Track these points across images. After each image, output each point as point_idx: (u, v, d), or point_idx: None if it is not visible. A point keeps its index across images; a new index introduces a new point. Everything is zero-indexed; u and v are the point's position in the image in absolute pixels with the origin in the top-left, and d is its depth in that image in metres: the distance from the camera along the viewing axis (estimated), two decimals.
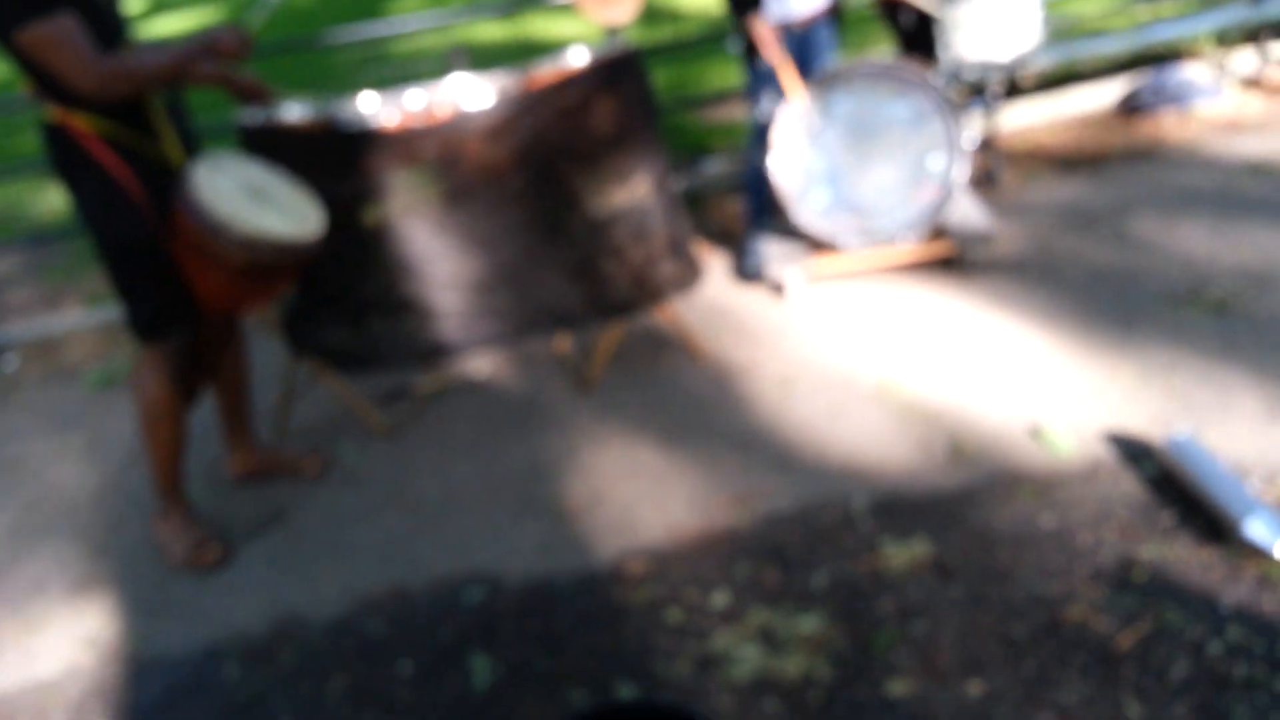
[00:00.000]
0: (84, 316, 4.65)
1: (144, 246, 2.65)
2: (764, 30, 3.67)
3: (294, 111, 3.04)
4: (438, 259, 3.27)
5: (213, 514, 3.17)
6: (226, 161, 2.75)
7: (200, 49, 2.62)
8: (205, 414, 3.49)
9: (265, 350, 4.02)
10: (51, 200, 6.32)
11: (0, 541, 3.22)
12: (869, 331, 3.64)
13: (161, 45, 2.72)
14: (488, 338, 3.39)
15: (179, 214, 2.60)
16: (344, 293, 3.29)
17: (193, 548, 2.94)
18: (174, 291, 2.71)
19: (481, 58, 6.70)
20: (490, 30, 8.40)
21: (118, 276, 2.71)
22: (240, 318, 3.10)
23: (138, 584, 2.94)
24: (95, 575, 3.00)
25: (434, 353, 3.37)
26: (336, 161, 3.07)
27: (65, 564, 3.07)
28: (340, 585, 2.80)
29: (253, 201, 2.67)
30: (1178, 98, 5.00)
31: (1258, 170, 4.34)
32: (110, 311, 4.62)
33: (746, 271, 4.17)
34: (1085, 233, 4.07)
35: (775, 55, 3.69)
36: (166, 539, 2.98)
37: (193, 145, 2.84)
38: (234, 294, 2.73)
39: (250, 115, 3.04)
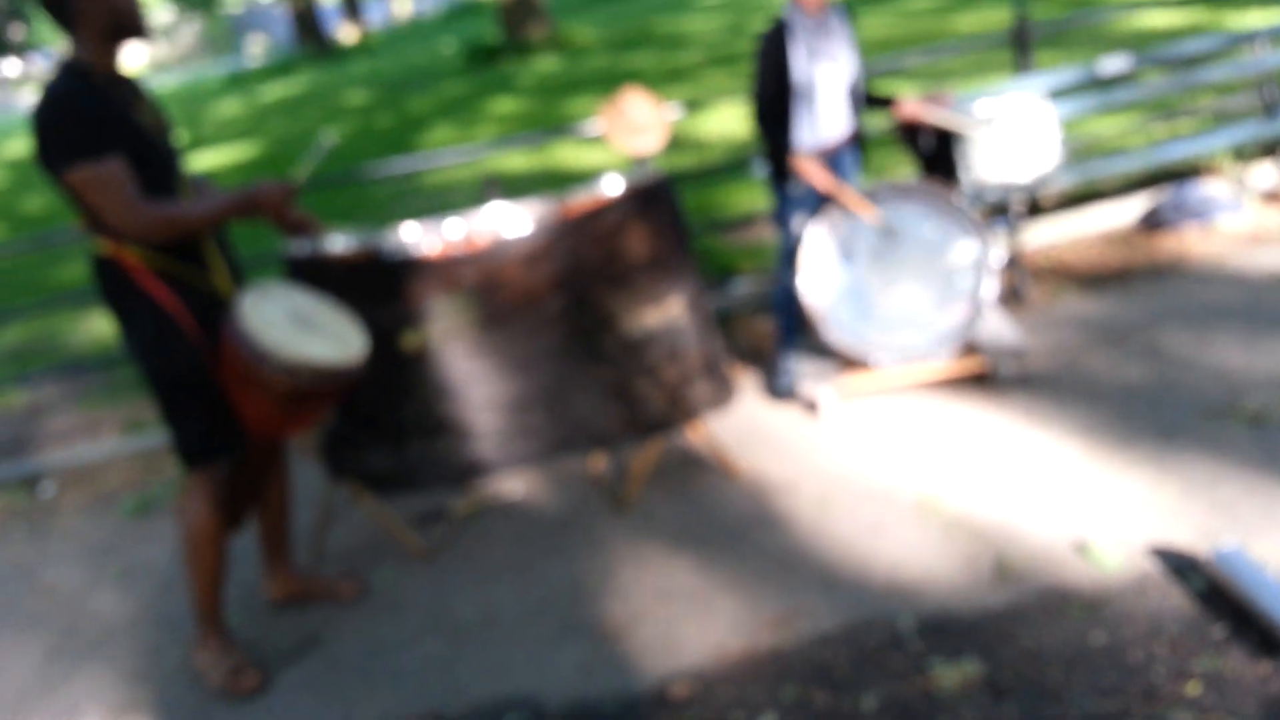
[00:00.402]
0: (121, 444, 4.71)
1: (194, 375, 2.72)
2: (809, 162, 3.78)
3: (339, 242, 3.14)
4: (475, 381, 3.33)
5: (250, 639, 3.15)
6: (274, 290, 2.84)
7: (244, 202, 2.75)
8: (240, 538, 3.50)
9: (302, 474, 4.05)
10: (90, 329, 6.47)
11: (37, 668, 3.21)
12: (905, 448, 3.63)
13: (207, 193, 2.84)
14: (524, 456, 3.41)
15: (227, 342, 2.67)
16: (383, 415, 3.34)
17: (230, 674, 2.92)
18: (222, 417, 2.77)
19: (511, 187, 6.90)
20: (518, 160, 8.66)
21: (167, 404, 2.78)
22: (284, 442, 3.15)
23: (175, 711, 2.91)
24: (132, 702, 2.98)
25: (471, 472, 3.40)
26: (380, 289, 3.16)
27: (102, 691, 3.05)
28: (378, 712, 2.76)
29: (298, 328, 2.74)
30: (1199, 213, 5.07)
31: None
32: (147, 439, 4.69)
33: (779, 390, 4.20)
34: (1116, 348, 4.09)
35: (826, 180, 3.78)
36: (205, 665, 2.96)
37: (238, 274, 2.93)
38: (279, 419, 2.78)
39: (297, 246, 3.14)
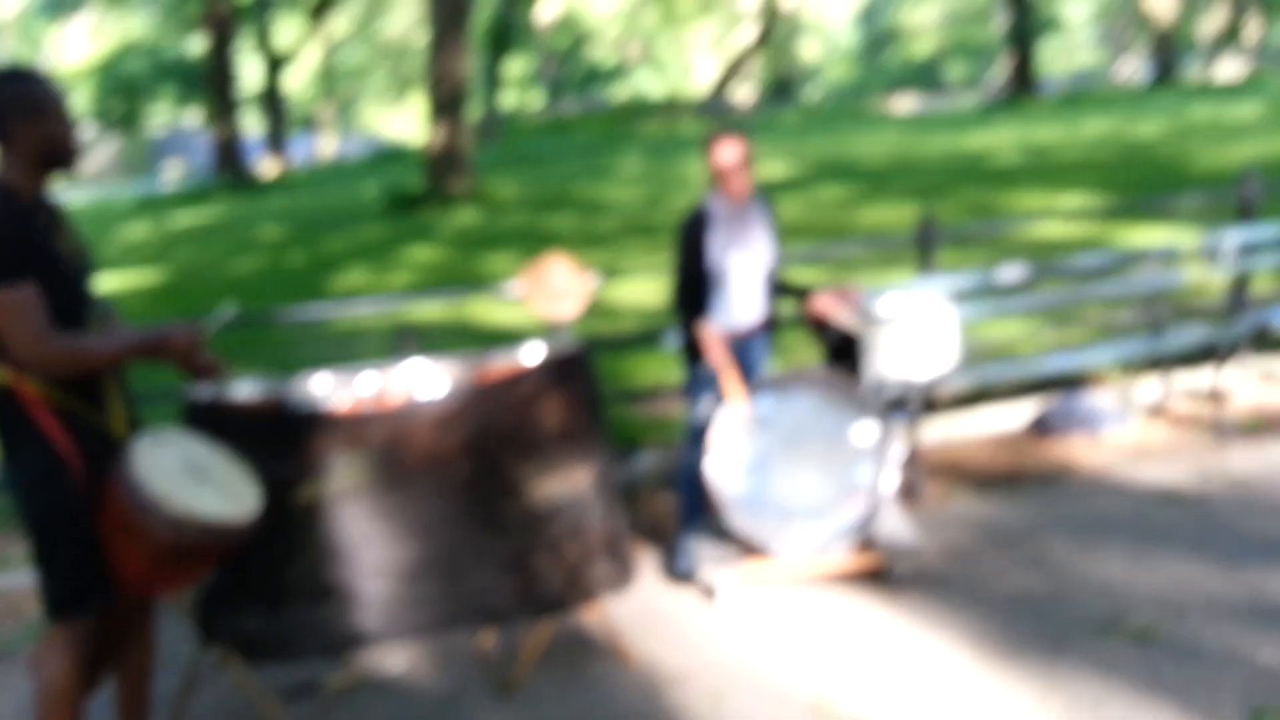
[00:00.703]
0: None
1: (73, 520, 2.58)
2: (712, 336, 3.85)
3: (243, 389, 3.06)
4: (368, 544, 3.21)
5: None
6: (169, 437, 2.73)
7: (152, 344, 2.68)
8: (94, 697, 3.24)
9: (169, 632, 3.81)
10: None
11: None
12: (801, 644, 3.60)
13: (115, 330, 2.76)
14: (410, 629, 3.28)
15: (112, 488, 2.54)
16: (265, 575, 3.19)
17: None
18: (95, 569, 2.62)
19: (424, 339, 6.86)
20: (433, 311, 8.66)
21: (41, 547, 2.62)
22: (156, 601, 2.97)
23: None
24: None
25: (352, 642, 3.24)
26: (280, 441, 3.07)
27: None
28: None
29: (189, 479, 2.63)
30: (1086, 422, 5.29)
31: (1167, 499, 4.54)
32: (11, 578, 4.39)
33: (678, 571, 4.15)
34: (1006, 553, 4.16)
35: (721, 360, 3.85)
36: None
37: (135, 415, 2.82)
38: (158, 574, 2.63)
39: (199, 390, 3.04)
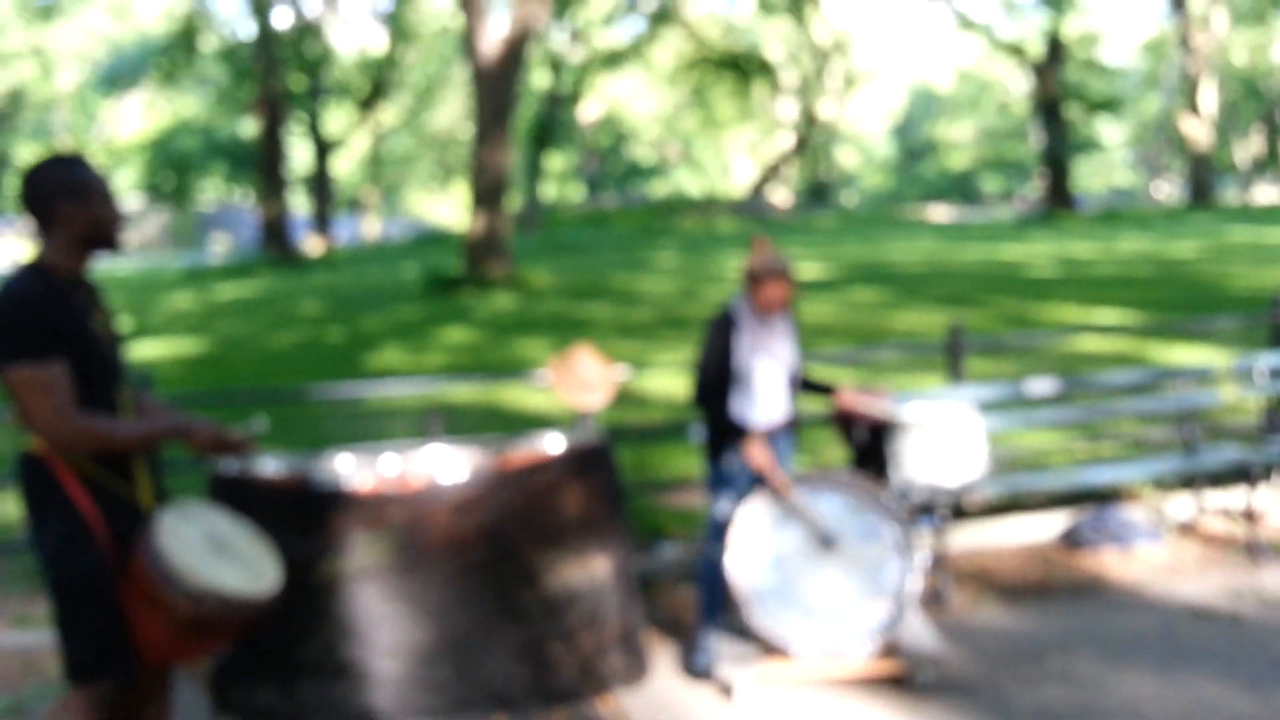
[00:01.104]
0: (3, 636, 4.43)
1: (97, 588, 2.61)
2: (755, 444, 3.87)
3: (269, 466, 3.10)
4: (385, 624, 3.21)
5: None
6: (194, 510, 2.77)
7: (174, 433, 2.75)
8: None
9: (185, 702, 3.80)
10: None
11: None
12: None
13: (145, 411, 2.83)
14: (422, 711, 3.25)
15: (136, 558, 2.57)
16: (281, 650, 3.20)
17: None
18: (117, 637, 2.63)
19: (455, 420, 6.92)
20: (465, 393, 8.73)
21: (63, 612, 2.65)
22: (174, 671, 2.97)
23: None
24: None
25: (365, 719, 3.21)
26: (302, 519, 3.10)
27: None
28: None
29: (212, 553, 2.66)
30: (1118, 537, 5.21)
31: (1198, 616, 4.45)
32: (32, 636, 4.41)
33: (696, 668, 4.10)
34: (1033, 665, 4.08)
35: (766, 462, 3.86)
36: None
37: (161, 487, 2.87)
38: (177, 645, 2.65)
39: (225, 465, 3.09)
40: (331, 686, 3.20)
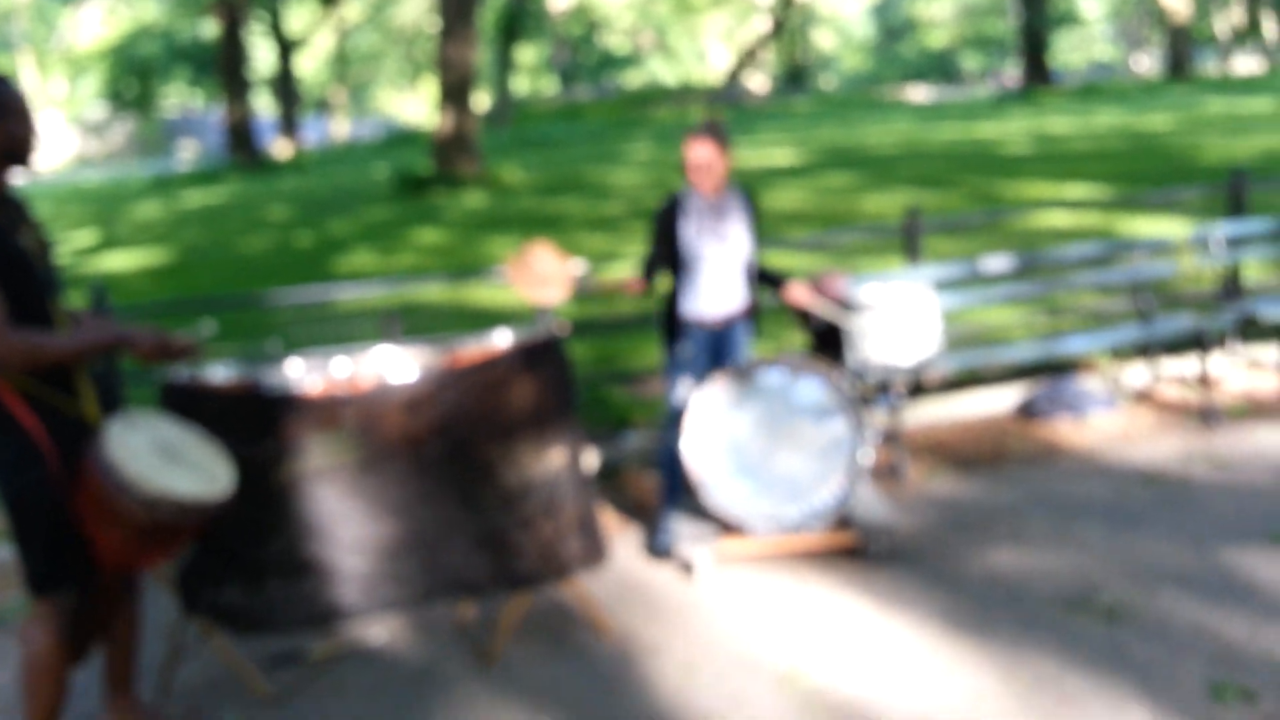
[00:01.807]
0: None
1: (47, 502, 2.66)
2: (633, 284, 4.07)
3: (219, 372, 3.13)
4: (345, 522, 3.27)
5: None
6: (141, 419, 2.80)
7: (112, 341, 2.75)
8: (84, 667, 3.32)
9: (155, 603, 3.90)
10: None
11: None
12: (775, 618, 3.66)
13: (82, 325, 2.82)
14: (389, 603, 3.34)
15: (86, 470, 2.62)
16: (244, 551, 3.26)
17: None
18: (72, 548, 2.69)
19: (423, 320, 6.94)
20: (434, 293, 8.73)
21: (17, 528, 2.70)
22: (138, 573, 3.05)
23: None
24: None
25: (331, 616, 3.31)
26: (255, 423, 3.14)
27: None
28: None
29: (163, 460, 2.70)
30: (1073, 406, 5.32)
31: (1149, 481, 4.57)
32: (5, 552, 4.48)
33: (657, 548, 4.22)
34: (983, 532, 4.21)
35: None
36: None
37: (114, 398, 2.89)
38: (133, 552, 2.71)
39: (175, 373, 3.12)
40: (297, 584, 3.27)
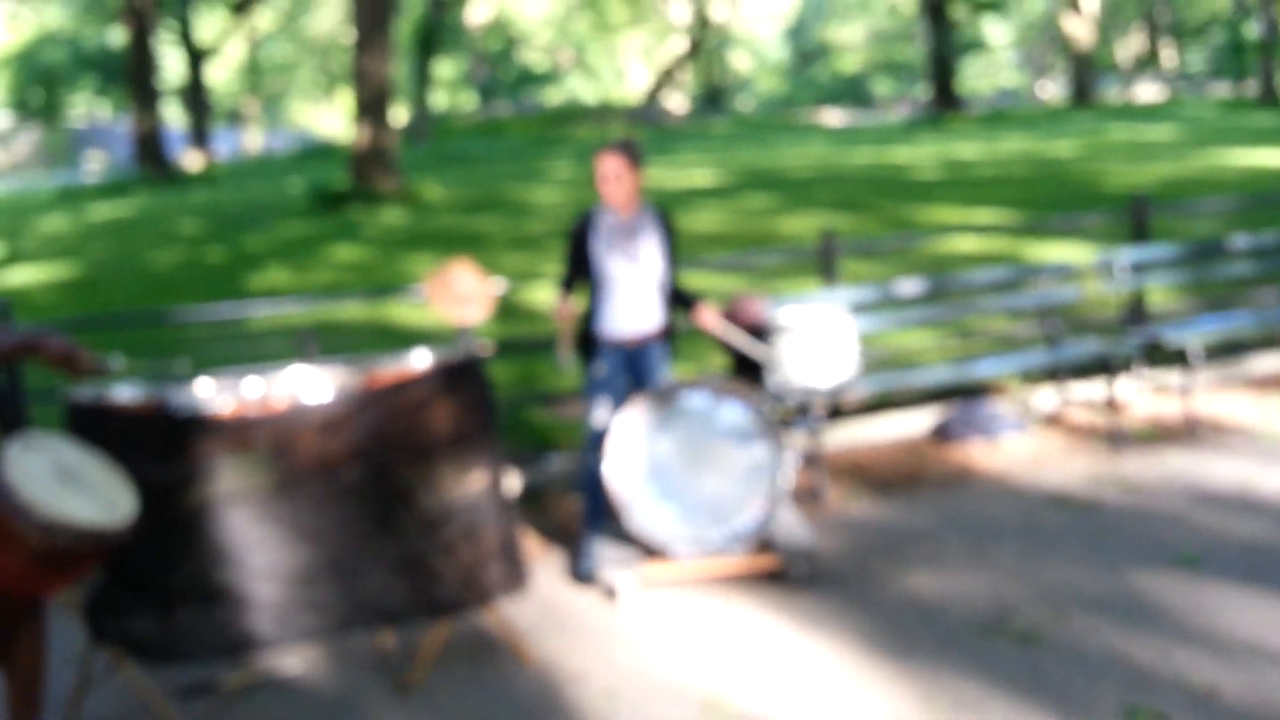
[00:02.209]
0: None
1: None
2: (562, 307, 4.06)
3: (125, 392, 3.03)
4: (258, 548, 3.19)
5: None
6: (42, 441, 2.70)
7: (23, 347, 2.67)
8: None
9: (64, 631, 3.74)
10: None
11: None
12: (697, 643, 3.65)
13: None
14: (304, 632, 3.27)
15: None
16: (153, 578, 3.16)
17: None
18: None
19: (339, 339, 6.82)
20: (352, 311, 8.59)
21: None
22: (42, 600, 2.92)
23: None
24: None
25: (244, 646, 3.23)
26: (163, 444, 3.05)
27: None
28: None
29: (63, 485, 2.61)
30: (985, 429, 5.45)
31: (1060, 504, 4.69)
32: None
33: (580, 573, 4.19)
34: (901, 555, 4.27)
35: (563, 321, 4.07)
36: None
37: (17, 417, 2.78)
38: (33, 578, 2.61)
39: (80, 393, 3.01)
40: (209, 613, 3.18)
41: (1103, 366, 5.60)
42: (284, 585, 3.22)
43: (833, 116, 42.85)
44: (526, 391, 6.38)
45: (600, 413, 4.09)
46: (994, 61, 58.89)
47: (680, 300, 4.28)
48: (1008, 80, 60.39)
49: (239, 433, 3.08)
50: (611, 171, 4.05)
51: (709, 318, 4.24)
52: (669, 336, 4.28)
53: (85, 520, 2.55)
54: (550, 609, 3.97)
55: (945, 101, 33.40)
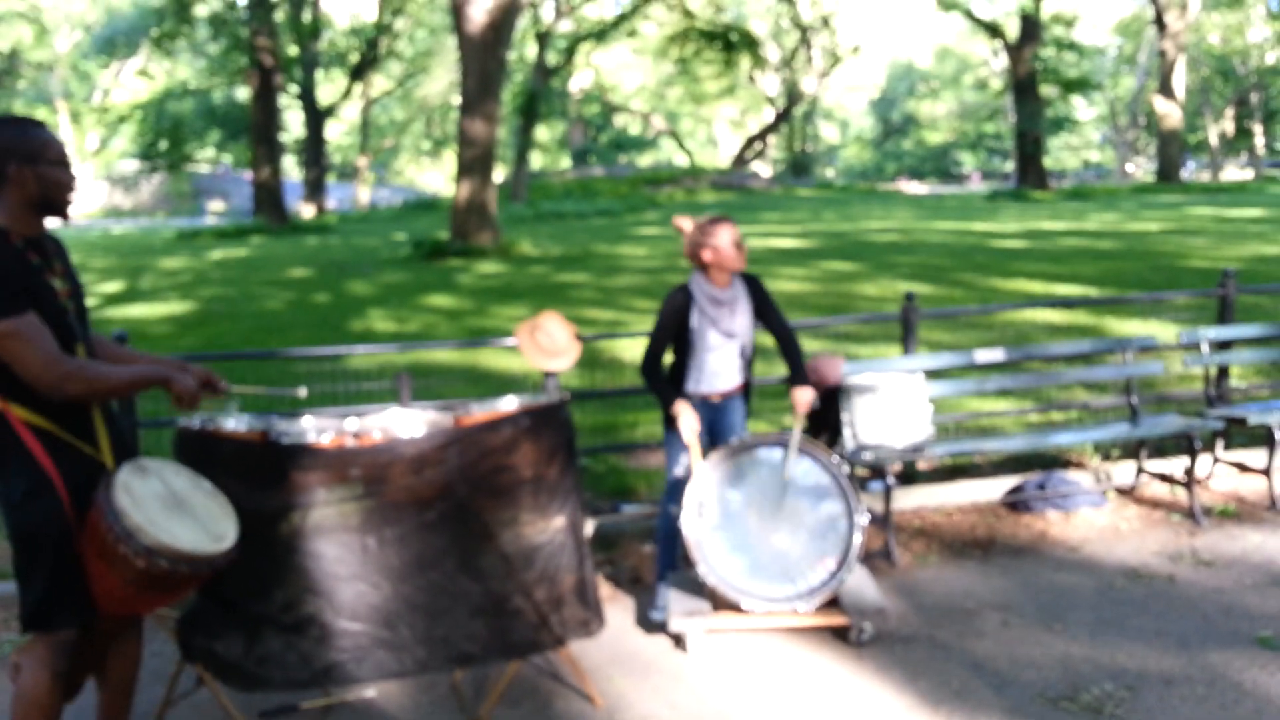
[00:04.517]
0: None
1: (54, 535, 2.71)
2: (684, 410, 4.08)
3: (232, 421, 3.24)
4: (346, 582, 3.31)
5: None
6: (154, 467, 2.87)
7: (155, 380, 2.83)
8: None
9: (153, 642, 3.96)
10: None
11: None
12: (763, 695, 3.70)
13: (123, 357, 2.94)
14: (383, 672, 3.36)
15: (94, 513, 2.68)
16: (245, 603, 3.30)
17: None
18: (70, 587, 2.73)
19: (432, 383, 7.07)
20: (445, 357, 8.88)
21: (20, 562, 2.76)
22: (139, 619, 3.10)
23: None
24: None
25: (324, 680, 3.32)
26: (265, 472, 3.21)
27: None
28: None
29: (168, 511, 2.76)
30: (1061, 500, 5.42)
31: (1134, 576, 4.64)
32: (7, 588, 4.56)
33: (652, 620, 4.29)
34: (971, 621, 4.26)
35: (689, 434, 4.08)
36: None
37: (127, 444, 2.98)
38: (131, 597, 2.76)
39: (190, 419, 3.22)
40: (293, 643, 3.29)
41: (1183, 441, 5.54)
42: (367, 623, 3.34)
43: (916, 188, 42.78)
44: (607, 441, 6.53)
45: (680, 464, 4.22)
46: (1081, 138, 58.23)
47: (788, 359, 4.32)
48: (1094, 157, 59.60)
49: (337, 463, 3.25)
50: (740, 240, 4.16)
51: (801, 398, 4.24)
52: (748, 393, 4.40)
53: (187, 546, 2.70)
54: (621, 653, 4.06)
55: (1031, 175, 33.14)
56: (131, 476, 2.75)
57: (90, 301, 3.03)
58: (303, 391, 3.17)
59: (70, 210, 2.80)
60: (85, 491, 2.74)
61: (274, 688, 3.32)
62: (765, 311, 4.29)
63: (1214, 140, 48.02)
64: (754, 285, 4.31)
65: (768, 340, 4.43)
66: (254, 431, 3.25)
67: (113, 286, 15.76)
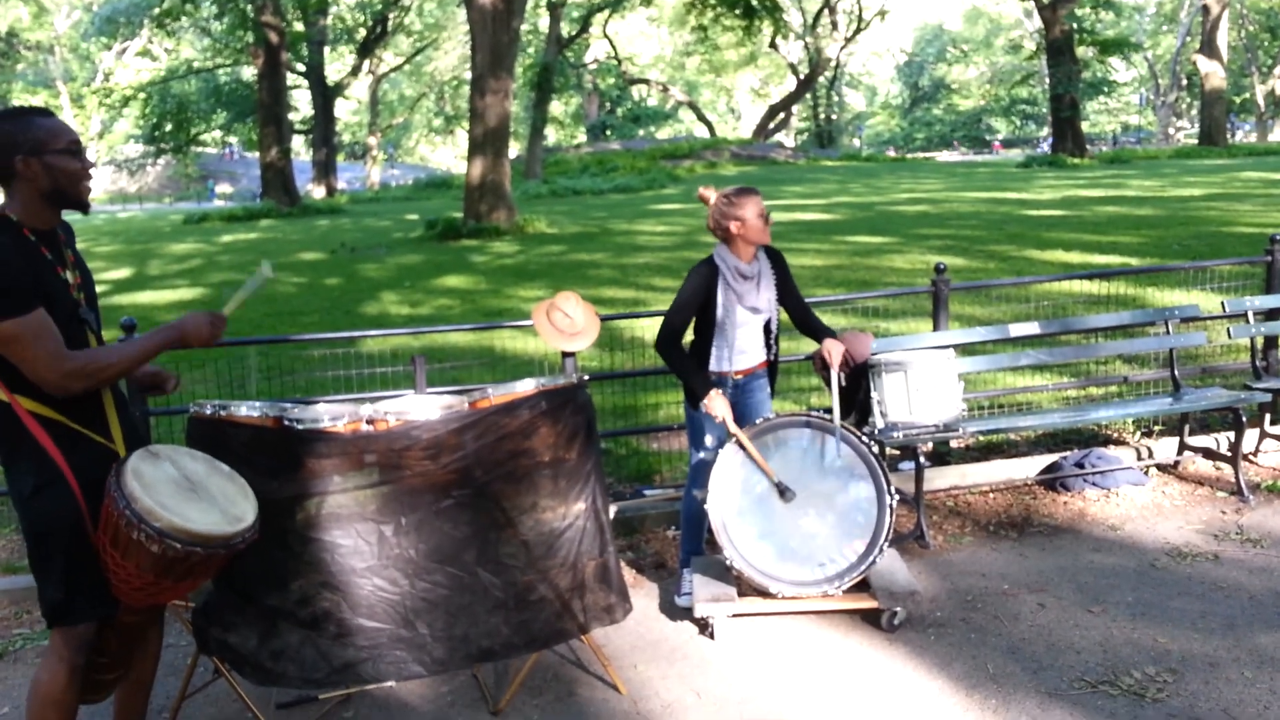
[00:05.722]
0: None
1: (67, 528, 2.65)
2: (717, 402, 3.89)
3: (244, 406, 3.13)
4: (363, 577, 3.20)
5: None
6: (166, 452, 2.79)
7: (172, 337, 2.75)
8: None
9: (168, 634, 3.89)
10: None
11: None
12: (791, 679, 3.60)
13: (129, 340, 2.83)
14: (401, 672, 3.25)
15: (107, 501, 2.61)
16: (261, 595, 3.20)
17: None
18: (88, 579, 2.67)
19: (448, 365, 6.96)
20: (460, 339, 8.77)
21: (35, 556, 2.70)
22: (159, 609, 3.02)
23: None
24: None
25: (341, 677, 3.22)
26: (280, 458, 3.11)
27: None
28: None
29: (183, 494, 2.68)
30: (1100, 477, 5.25)
31: (1177, 555, 4.49)
32: (20, 581, 4.49)
33: (677, 604, 4.18)
34: (1008, 602, 4.13)
35: (727, 420, 3.90)
36: None
37: (138, 432, 2.89)
38: (151, 585, 2.68)
39: (201, 405, 3.12)
40: (310, 639, 3.19)
41: (1228, 416, 5.35)
42: (385, 621, 3.23)
43: (947, 156, 42.27)
44: (628, 424, 6.40)
45: (704, 448, 4.07)
46: (1120, 101, 57.34)
47: (810, 329, 4.18)
48: (1133, 120, 58.72)
49: (352, 448, 3.14)
50: (766, 212, 4.01)
51: (831, 349, 4.08)
52: (774, 371, 4.24)
53: (200, 528, 2.62)
54: (644, 639, 3.95)
55: (1067, 141, 32.59)
56: (142, 462, 2.68)
57: (98, 289, 2.93)
58: (267, 268, 3.02)
59: (88, 200, 2.71)
60: (99, 483, 2.66)
61: (290, 685, 3.23)
62: (786, 287, 4.13)
63: (1260, 100, 47.03)
64: (776, 259, 4.15)
65: (783, 317, 4.26)
66: (267, 417, 3.13)
67: (120, 273, 15.75)
